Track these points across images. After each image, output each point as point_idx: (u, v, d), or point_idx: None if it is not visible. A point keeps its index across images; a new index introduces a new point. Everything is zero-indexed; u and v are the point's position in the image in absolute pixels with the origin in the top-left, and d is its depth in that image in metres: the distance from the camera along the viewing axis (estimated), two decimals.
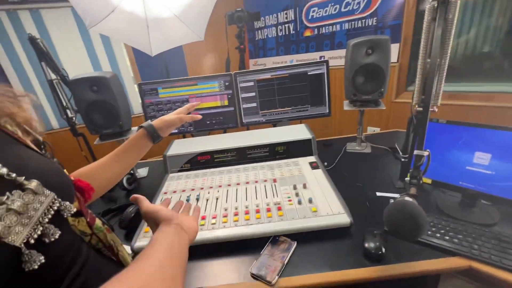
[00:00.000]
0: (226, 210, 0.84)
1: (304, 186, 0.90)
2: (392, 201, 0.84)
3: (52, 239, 0.33)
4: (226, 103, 1.35)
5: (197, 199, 0.91)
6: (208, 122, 1.38)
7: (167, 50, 1.89)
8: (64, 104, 1.25)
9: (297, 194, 0.87)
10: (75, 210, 0.37)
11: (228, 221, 0.79)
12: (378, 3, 1.98)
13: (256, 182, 0.97)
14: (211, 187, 0.98)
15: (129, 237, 0.84)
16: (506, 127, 0.67)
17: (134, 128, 1.24)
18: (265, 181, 0.97)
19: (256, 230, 0.75)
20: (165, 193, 0.98)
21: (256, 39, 3.03)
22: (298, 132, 1.17)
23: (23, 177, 0.31)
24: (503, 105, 1.58)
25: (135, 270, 0.32)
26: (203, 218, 0.81)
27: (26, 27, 2.22)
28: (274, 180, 0.97)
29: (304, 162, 1.07)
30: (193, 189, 0.98)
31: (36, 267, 0.29)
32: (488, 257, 0.61)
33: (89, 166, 0.59)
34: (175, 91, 1.33)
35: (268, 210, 0.81)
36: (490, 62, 1.69)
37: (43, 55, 1.17)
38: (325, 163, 1.13)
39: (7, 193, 0.29)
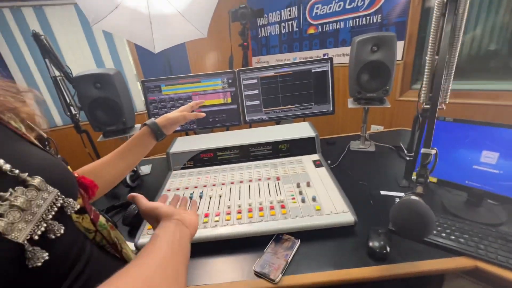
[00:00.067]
0: (229, 207, 0.84)
1: (308, 184, 0.90)
2: (398, 200, 0.83)
3: (58, 235, 0.32)
4: (229, 100, 1.35)
5: (200, 197, 0.91)
6: (211, 120, 1.37)
7: (169, 47, 1.88)
8: (68, 101, 1.25)
9: (300, 192, 0.86)
10: (78, 207, 0.37)
11: (231, 218, 0.79)
12: (383, 0, 1.95)
13: (259, 180, 0.97)
14: (214, 185, 0.97)
15: (132, 234, 0.84)
16: None
17: (137, 125, 1.24)
18: (269, 179, 0.97)
19: (259, 228, 0.75)
20: (168, 190, 0.98)
21: (259, 36, 3.01)
22: (302, 130, 1.17)
23: (26, 174, 0.31)
24: (509, 103, 1.56)
25: (138, 266, 0.32)
26: (206, 215, 0.81)
27: (30, 24, 2.23)
28: (278, 178, 0.96)
29: (307, 160, 1.06)
30: (196, 187, 0.98)
31: (39, 264, 0.29)
32: (494, 257, 0.60)
33: (93, 164, 0.59)
34: (178, 88, 1.33)
35: (272, 208, 0.81)
36: (496, 60, 1.67)
37: (47, 51, 1.16)
38: (329, 161, 1.13)
39: (10, 190, 0.29)
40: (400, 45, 1.91)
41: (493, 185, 0.71)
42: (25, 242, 0.29)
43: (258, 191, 0.90)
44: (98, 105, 1.10)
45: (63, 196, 0.35)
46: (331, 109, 1.34)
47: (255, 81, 1.32)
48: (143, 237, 0.75)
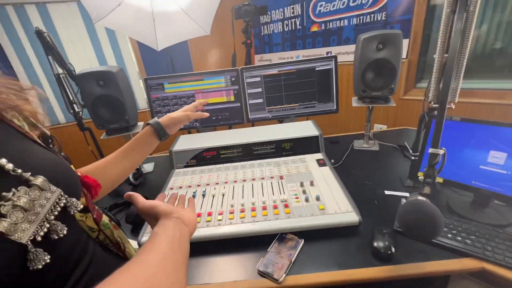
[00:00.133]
0: (232, 206, 0.83)
1: (311, 184, 0.89)
2: (404, 200, 0.83)
3: (61, 235, 0.32)
4: (232, 98, 1.34)
5: (203, 195, 0.90)
6: (214, 118, 1.37)
7: (172, 45, 1.87)
8: (71, 98, 1.25)
9: (304, 192, 0.86)
10: (82, 206, 0.37)
11: (234, 217, 0.78)
12: None
13: (263, 179, 0.96)
14: (217, 183, 0.97)
15: (135, 232, 0.84)
16: None
17: (140, 123, 1.24)
18: (272, 178, 0.96)
19: (263, 227, 0.74)
20: (171, 188, 0.98)
21: (262, 34, 2.99)
22: (305, 128, 1.16)
23: (29, 173, 0.31)
24: None
25: (139, 263, 0.32)
26: (209, 214, 0.81)
27: (33, 21, 2.23)
28: (281, 177, 0.96)
29: (311, 159, 1.06)
30: (199, 185, 0.97)
31: (40, 266, 0.28)
32: (502, 258, 0.59)
33: (96, 163, 0.59)
34: (181, 86, 1.32)
35: (275, 207, 0.80)
36: (502, 59, 1.65)
37: (50, 49, 1.16)
38: (332, 161, 1.12)
39: (13, 189, 0.29)
40: (404, 43, 1.89)
41: (501, 185, 0.69)
42: (29, 242, 0.28)
43: (261, 190, 0.90)
44: (101, 103, 1.10)
45: (66, 196, 0.34)
46: (335, 107, 1.33)
47: (258, 79, 1.31)
48: (147, 235, 0.75)
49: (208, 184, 0.97)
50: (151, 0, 1.56)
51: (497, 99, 1.61)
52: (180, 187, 0.97)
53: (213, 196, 0.90)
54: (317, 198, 0.82)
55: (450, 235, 0.67)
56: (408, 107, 2.02)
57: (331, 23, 2.35)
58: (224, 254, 0.72)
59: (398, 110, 2.08)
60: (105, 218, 0.46)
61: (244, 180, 0.97)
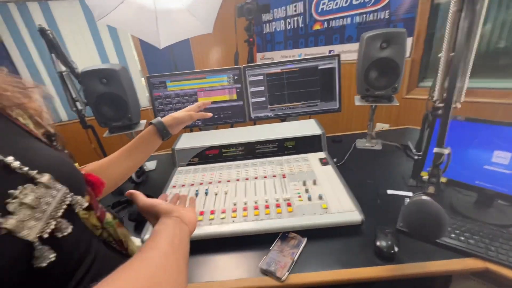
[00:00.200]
0: (235, 205, 0.83)
1: (314, 182, 0.89)
2: (407, 200, 0.83)
3: (65, 233, 0.32)
4: (234, 97, 1.34)
5: (206, 193, 0.91)
6: (216, 116, 1.37)
7: (174, 43, 1.87)
8: (74, 96, 1.25)
9: (306, 190, 0.86)
10: (86, 204, 0.37)
11: (237, 216, 0.78)
12: None
13: (265, 177, 0.96)
14: (219, 182, 0.97)
15: (138, 230, 0.85)
16: None
17: (143, 121, 1.24)
18: (274, 176, 0.96)
19: (265, 226, 0.74)
20: (174, 186, 0.98)
21: (264, 32, 2.98)
22: (308, 127, 1.15)
23: (35, 171, 0.31)
24: None
25: (141, 260, 0.32)
26: (212, 212, 0.81)
27: (35, 19, 2.23)
28: (283, 176, 0.96)
29: (313, 158, 1.05)
30: (201, 183, 0.97)
31: (44, 265, 0.29)
32: (505, 259, 0.59)
33: (99, 162, 0.59)
34: (183, 84, 1.32)
35: (278, 206, 0.81)
36: (506, 58, 1.63)
37: (53, 46, 1.16)
38: (335, 159, 1.12)
39: (20, 187, 0.29)
40: (408, 42, 1.88)
41: (505, 185, 0.69)
42: (35, 240, 0.28)
43: (264, 189, 0.90)
44: (104, 101, 1.10)
45: (71, 194, 0.35)
46: (338, 106, 1.32)
47: (261, 77, 1.31)
48: (149, 233, 0.75)
49: (210, 183, 0.97)
50: None
51: (501, 99, 1.60)
52: (183, 185, 0.98)
53: (216, 194, 0.90)
54: (320, 197, 0.81)
55: (453, 235, 0.67)
56: (411, 107, 2.01)
57: (333, 21, 2.33)
58: (226, 252, 0.72)
59: (400, 109, 2.07)
60: (108, 216, 0.46)
61: (247, 179, 0.97)
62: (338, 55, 1.24)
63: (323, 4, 2.34)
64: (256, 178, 0.97)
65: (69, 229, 0.33)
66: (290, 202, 0.81)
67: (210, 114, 0.77)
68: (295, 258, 0.67)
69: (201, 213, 0.81)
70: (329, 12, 2.33)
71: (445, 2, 1.76)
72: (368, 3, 2.06)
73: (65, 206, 0.33)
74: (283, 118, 1.40)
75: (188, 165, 1.12)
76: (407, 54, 1.91)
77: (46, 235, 0.29)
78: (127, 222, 0.89)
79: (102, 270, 0.37)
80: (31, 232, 0.28)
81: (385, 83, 1.09)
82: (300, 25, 2.60)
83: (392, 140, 1.28)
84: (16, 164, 0.29)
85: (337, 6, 2.26)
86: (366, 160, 1.16)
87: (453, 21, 0.49)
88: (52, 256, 0.30)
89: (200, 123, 1.40)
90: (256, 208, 0.81)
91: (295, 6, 2.56)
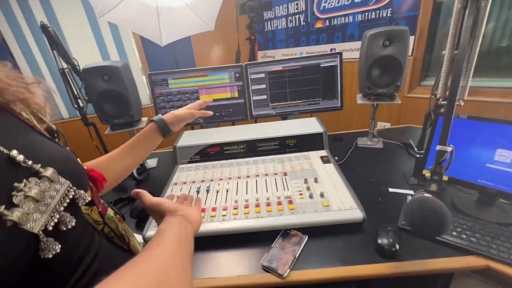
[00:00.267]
0: (236, 202, 0.83)
1: (316, 180, 0.89)
2: (409, 197, 0.83)
3: (69, 227, 0.33)
4: (236, 95, 1.34)
5: (207, 191, 0.91)
6: (217, 114, 1.37)
7: (176, 41, 1.86)
8: (76, 93, 1.25)
9: (308, 188, 0.86)
10: (89, 198, 0.37)
11: (238, 213, 0.79)
12: None
13: (267, 175, 0.97)
14: (221, 179, 0.97)
15: (140, 227, 0.85)
16: None
17: (144, 119, 1.24)
18: (276, 174, 0.96)
19: (266, 223, 0.75)
20: (175, 184, 0.98)
21: (265, 30, 2.97)
22: (309, 125, 1.15)
23: (39, 165, 0.31)
24: None
25: (149, 256, 0.33)
26: (214, 209, 0.81)
27: (36, 16, 2.22)
28: (285, 174, 0.96)
29: (315, 156, 1.05)
30: (203, 181, 0.98)
31: (50, 256, 0.29)
32: (507, 257, 0.59)
33: (100, 159, 0.59)
34: (185, 82, 1.32)
35: (279, 203, 0.81)
36: (509, 57, 1.62)
37: (55, 43, 1.16)
38: (336, 158, 1.12)
39: (24, 180, 0.29)
40: (409, 41, 1.86)
41: (508, 184, 0.69)
42: (40, 232, 0.29)
43: (265, 186, 0.90)
44: (105, 98, 1.10)
45: (74, 188, 0.35)
46: (339, 104, 1.32)
47: (262, 75, 1.30)
48: (151, 230, 0.76)
49: (212, 180, 0.97)
50: None
51: (502, 98, 1.60)
52: (184, 183, 0.98)
53: (217, 191, 0.90)
54: (321, 195, 0.82)
55: (454, 233, 0.67)
56: (412, 105, 2.00)
57: (335, 19, 2.32)
58: (228, 249, 0.72)
59: (402, 108, 2.07)
60: (110, 212, 0.46)
61: (248, 176, 0.97)
62: (340, 53, 1.24)
63: (325, 2, 2.33)
64: (257, 175, 0.97)
65: (73, 223, 0.33)
66: (291, 200, 0.81)
67: (211, 112, 0.78)
68: (297, 255, 0.67)
69: (203, 210, 0.81)
70: (331, 10, 2.32)
71: (448, 1, 1.75)
72: (370, 1, 2.05)
73: (68, 200, 0.33)
74: (284, 116, 1.40)
75: (189, 162, 1.12)
76: (409, 52, 1.90)
77: (50, 228, 0.30)
78: (129, 219, 0.89)
79: (104, 264, 0.38)
80: (35, 224, 0.29)
81: (387, 81, 1.08)
82: (302, 23, 2.59)
83: (394, 139, 1.28)
84: (20, 158, 0.30)
85: (339, 4, 2.24)
86: (367, 159, 1.16)
87: (457, 18, 0.49)
88: (58, 248, 0.30)
89: (201, 121, 1.40)
90: (257, 205, 0.81)
91: (297, 4, 2.55)
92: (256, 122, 1.46)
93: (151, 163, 1.33)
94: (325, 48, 2.49)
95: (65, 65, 1.22)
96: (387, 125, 2.12)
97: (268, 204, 0.81)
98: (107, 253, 0.41)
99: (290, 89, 1.31)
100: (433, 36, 1.89)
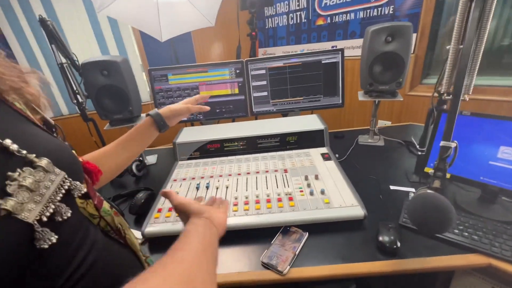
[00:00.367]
0: (236, 199, 0.83)
1: (316, 177, 0.89)
2: (412, 194, 0.82)
3: (65, 217, 0.32)
4: (236, 91, 1.32)
5: (207, 187, 0.90)
6: (217, 111, 1.36)
7: (176, 36, 1.85)
8: (75, 88, 1.24)
9: (308, 185, 0.85)
10: (85, 190, 0.37)
11: (238, 209, 0.78)
12: None
13: (267, 172, 0.96)
14: (220, 176, 0.96)
15: (139, 223, 0.84)
16: None
17: (144, 115, 1.23)
18: (276, 171, 0.96)
19: (267, 220, 0.74)
20: (175, 180, 0.97)
21: (266, 27, 2.95)
22: (310, 122, 1.14)
23: (34, 155, 0.31)
24: None
25: (175, 259, 0.33)
26: None
27: (35, 10, 2.20)
28: (285, 171, 0.95)
29: (315, 153, 1.05)
30: (202, 177, 0.97)
31: (46, 246, 0.29)
32: (510, 255, 0.59)
33: (94, 153, 0.59)
34: (185, 77, 1.31)
35: (279, 200, 0.80)
36: (510, 56, 1.61)
37: (53, 37, 1.14)
38: (337, 155, 1.11)
39: (18, 170, 0.29)
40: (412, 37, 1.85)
41: (511, 182, 0.68)
42: (35, 222, 0.28)
43: (265, 183, 0.89)
44: (105, 93, 1.09)
45: (70, 179, 0.35)
46: (340, 101, 1.31)
47: (263, 71, 1.29)
48: (150, 226, 0.75)
49: (211, 177, 0.97)
50: None
51: (504, 96, 1.59)
52: (184, 179, 0.97)
53: (217, 188, 0.89)
54: (322, 192, 0.81)
55: (456, 231, 0.66)
56: (413, 104, 1.99)
57: (337, 16, 2.30)
58: (228, 246, 0.72)
59: (403, 106, 2.06)
60: (105, 205, 0.46)
61: (248, 173, 0.96)
62: (342, 50, 1.23)
63: None
64: (257, 172, 0.96)
65: (69, 213, 0.33)
66: (291, 197, 0.81)
67: (208, 108, 0.77)
68: (297, 252, 0.66)
69: None
70: (333, 7, 2.30)
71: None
72: None
73: (63, 191, 0.33)
74: (285, 113, 1.39)
75: (189, 159, 1.12)
76: (411, 50, 1.89)
77: (45, 218, 0.30)
78: (128, 215, 0.88)
79: (100, 256, 0.38)
80: (30, 214, 0.28)
81: (389, 77, 1.07)
82: (303, 20, 2.57)
83: (395, 136, 1.27)
84: (14, 147, 0.29)
85: (341, 1, 2.22)
86: (368, 156, 1.15)
87: (463, 12, 0.48)
88: (54, 238, 0.30)
89: (201, 117, 1.39)
90: (257, 202, 0.80)
91: (298, 1, 2.53)
92: (256, 119, 1.45)
93: (151, 159, 1.32)
94: (326, 45, 2.47)
95: (64, 60, 1.20)
96: (388, 124, 2.11)
97: (268, 201, 0.80)
98: (103, 247, 0.40)
99: (291, 86, 1.30)
100: (435, 34, 1.87)
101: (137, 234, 0.75)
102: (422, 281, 0.82)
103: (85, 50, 2.45)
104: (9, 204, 0.26)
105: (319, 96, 1.31)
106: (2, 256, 0.25)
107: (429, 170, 0.75)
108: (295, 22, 2.64)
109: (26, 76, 0.37)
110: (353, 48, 2.28)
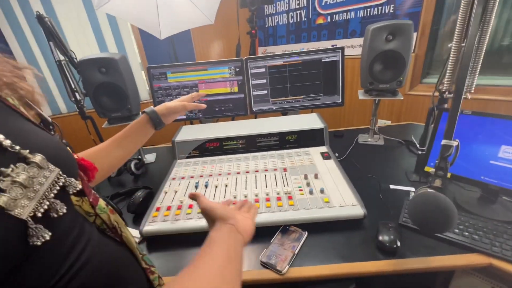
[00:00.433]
0: (235, 198, 0.82)
1: (316, 176, 0.88)
2: (412, 194, 0.81)
3: (61, 213, 0.32)
4: (236, 89, 1.32)
5: (206, 186, 0.89)
6: (217, 109, 1.35)
7: (175, 34, 1.83)
8: (73, 86, 1.23)
9: (308, 184, 0.85)
10: (80, 186, 0.36)
11: None
12: None
13: (266, 170, 0.95)
14: (219, 174, 0.96)
15: (137, 222, 0.84)
16: None
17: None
18: (275, 170, 0.95)
19: (266, 219, 0.73)
20: (173, 178, 0.97)
21: (266, 26, 2.94)
22: (310, 121, 1.14)
23: (27, 151, 0.30)
24: None
25: (200, 270, 0.34)
26: None
27: (33, 7, 2.19)
28: (285, 170, 0.94)
29: (315, 152, 1.04)
30: (201, 176, 0.96)
31: (39, 243, 0.28)
32: (510, 255, 0.58)
33: (89, 150, 0.58)
34: (184, 76, 1.30)
35: (279, 199, 0.79)
36: (510, 55, 1.61)
37: (51, 34, 1.13)
38: (336, 154, 1.10)
39: (12, 166, 0.28)
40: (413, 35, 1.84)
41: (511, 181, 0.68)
42: (29, 219, 0.28)
43: (264, 182, 0.88)
44: (103, 91, 1.08)
45: (64, 176, 0.34)
46: (340, 100, 1.30)
47: (263, 70, 1.28)
48: (148, 225, 0.74)
49: (210, 175, 0.96)
50: None
51: (504, 96, 1.59)
52: (183, 178, 0.96)
53: (216, 187, 0.89)
54: (322, 191, 0.80)
55: (457, 230, 0.66)
56: (413, 103, 1.99)
57: (337, 15, 2.29)
58: None
59: (403, 105, 2.05)
60: (101, 202, 0.45)
61: (247, 172, 0.96)
62: (342, 48, 1.22)
63: None
64: (256, 171, 0.95)
65: (64, 210, 0.32)
66: (291, 196, 0.80)
67: (204, 105, 0.76)
68: (296, 251, 0.66)
69: None
70: (333, 5, 2.29)
71: None
72: None
73: (58, 188, 0.32)
74: (284, 112, 1.38)
75: (188, 157, 1.11)
76: (412, 47, 1.88)
77: (39, 215, 0.29)
78: (126, 213, 0.88)
79: (96, 254, 0.37)
80: (23, 211, 0.28)
81: (390, 76, 1.07)
82: (303, 19, 2.56)
83: (395, 136, 1.26)
84: (7, 142, 0.28)
85: (341, 0, 2.22)
86: (368, 155, 1.14)
87: (466, 9, 0.47)
88: (47, 235, 0.29)
89: (200, 115, 1.38)
90: (256, 201, 0.80)
91: None
92: (256, 117, 1.44)
93: (150, 158, 1.31)
94: (326, 44, 2.46)
95: (62, 57, 1.19)
96: (388, 123, 2.11)
97: (268, 200, 0.79)
98: (99, 244, 0.40)
99: (291, 84, 1.29)
100: (436, 33, 1.87)
101: (135, 233, 0.74)
102: (422, 281, 0.82)
103: (83, 47, 2.44)
104: (2, 200, 0.26)
105: (319, 95, 1.30)
106: None
107: (429, 169, 0.75)
108: (295, 20, 2.63)
109: (19, 72, 0.37)
110: (353, 47, 2.27)
